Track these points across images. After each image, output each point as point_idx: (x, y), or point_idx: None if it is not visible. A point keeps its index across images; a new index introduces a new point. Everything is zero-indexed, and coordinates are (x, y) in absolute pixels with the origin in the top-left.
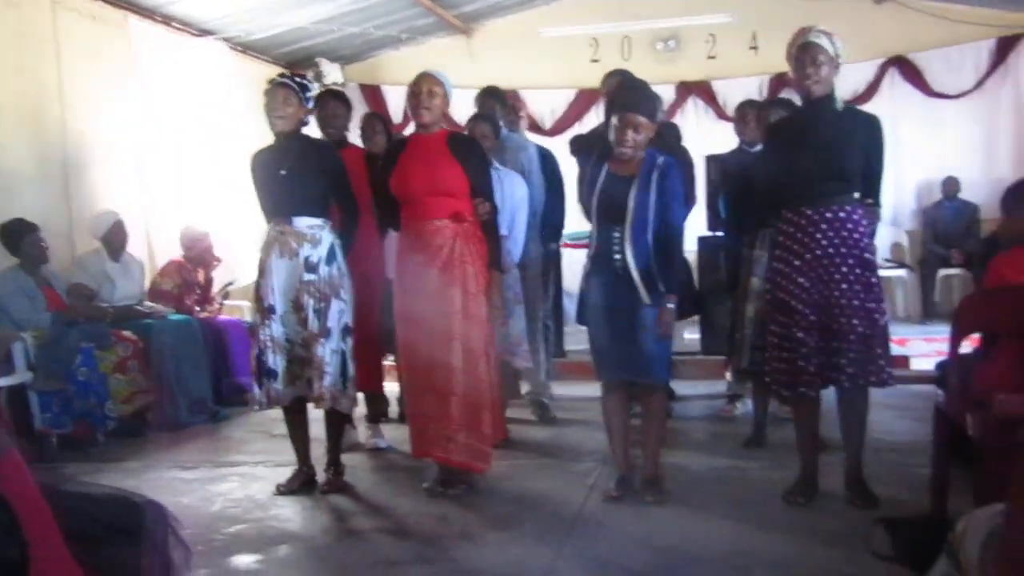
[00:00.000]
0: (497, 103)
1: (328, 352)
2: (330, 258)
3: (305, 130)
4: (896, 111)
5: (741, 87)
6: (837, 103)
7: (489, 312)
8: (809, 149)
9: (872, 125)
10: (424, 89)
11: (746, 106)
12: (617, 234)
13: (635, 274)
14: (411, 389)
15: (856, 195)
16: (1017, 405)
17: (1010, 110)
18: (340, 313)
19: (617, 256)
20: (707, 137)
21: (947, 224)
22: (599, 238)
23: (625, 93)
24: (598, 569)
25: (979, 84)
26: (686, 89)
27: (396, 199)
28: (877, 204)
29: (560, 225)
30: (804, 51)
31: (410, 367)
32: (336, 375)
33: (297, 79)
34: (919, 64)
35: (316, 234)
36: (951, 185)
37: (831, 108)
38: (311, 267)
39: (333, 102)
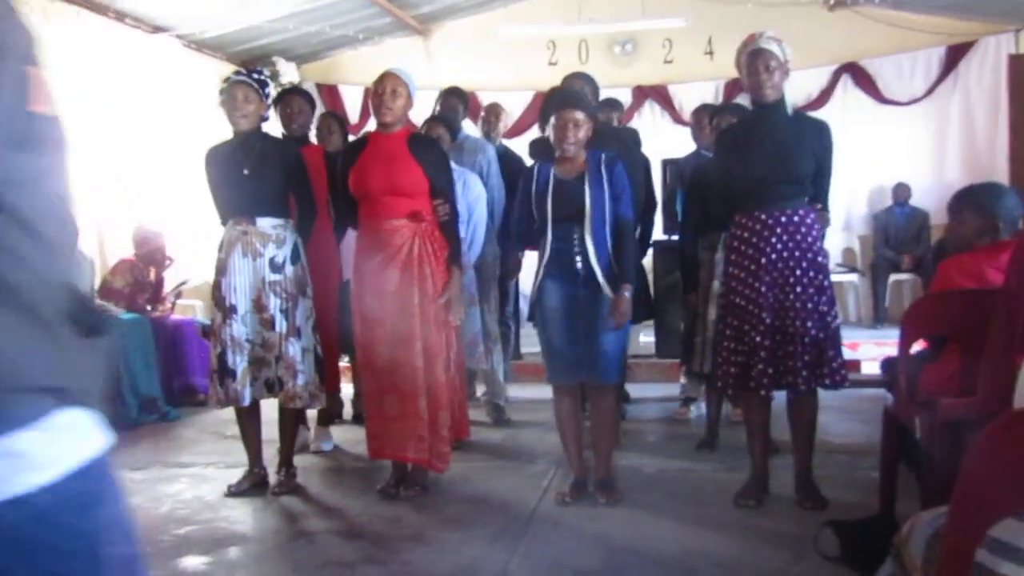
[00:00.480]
0: (460, 103)
1: (300, 351)
2: (295, 257)
3: (266, 127)
4: (849, 117)
5: (697, 91)
6: (787, 108)
7: (448, 312)
8: (761, 153)
9: (822, 131)
10: (388, 88)
11: (702, 110)
12: (576, 234)
13: (599, 272)
14: (370, 390)
15: (807, 199)
16: (961, 409)
17: (959, 117)
18: (308, 311)
19: (578, 256)
20: (664, 141)
21: (898, 229)
22: (555, 239)
23: (560, 93)
24: (551, 570)
25: (929, 91)
26: (642, 93)
27: (354, 198)
28: (826, 209)
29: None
30: (755, 57)
31: (370, 368)
32: (310, 372)
33: (255, 75)
34: (871, 71)
35: (280, 234)
36: (901, 191)
37: (782, 113)
38: (276, 267)
39: (297, 99)
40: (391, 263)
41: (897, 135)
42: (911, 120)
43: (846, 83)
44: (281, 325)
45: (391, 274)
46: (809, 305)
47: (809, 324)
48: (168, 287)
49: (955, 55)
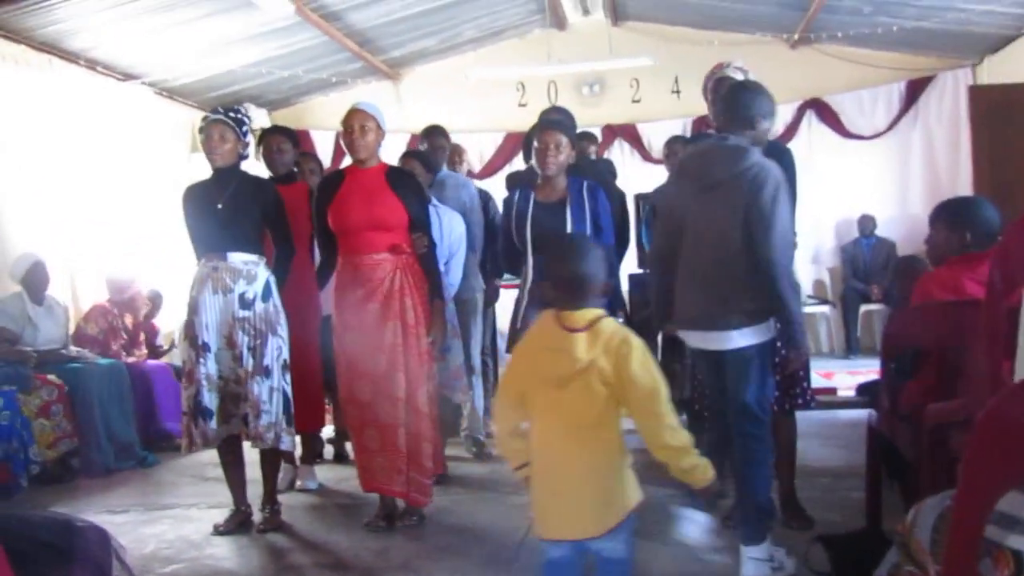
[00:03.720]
0: (445, 141)
1: (266, 390)
2: (266, 295)
3: (248, 165)
4: (814, 151)
5: (665, 129)
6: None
7: (429, 346)
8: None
9: (784, 154)
10: (356, 125)
11: (674, 141)
12: None
13: None
14: (354, 424)
15: None
16: (947, 413)
17: (921, 149)
18: (278, 350)
19: None
20: (633, 178)
21: (866, 261)
22: (535, 267)
23: (544, 118)
24: None
25: (892, 125)
26: (611, 132)
27: (332, 233)
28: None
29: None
30: (720, 85)
31: (352, 402)
32: (277, 413)
33: (232, 114)
34: (834, 106)
35: (251, 270)
36: (867, 222)
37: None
38: (246, 304)
39: (279, 137)
40: (372, 297)
41: (861, 168)
42: (874, 153)
43: (810, 118)
44: (247, 363)
45: (372, 308)
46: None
47: (782, 351)
48: (162, 329)
49: (915, 89)
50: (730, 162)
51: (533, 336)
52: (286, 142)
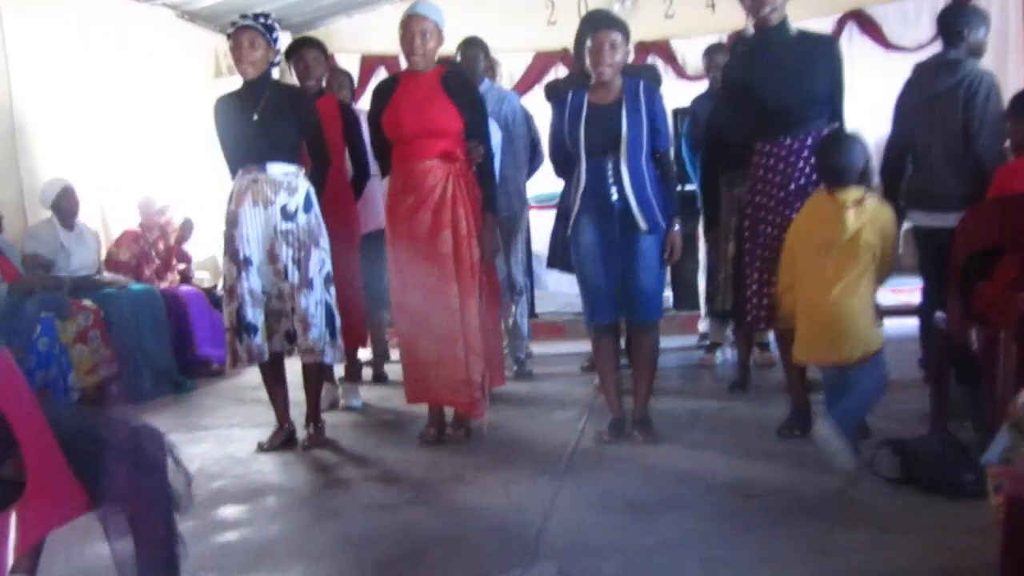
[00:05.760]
0: (480, 52)
1: (312, 303)
2: (307, 206)
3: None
4: (855, 66)
5: (700, 45)
6: (791, 30)
7: (481, 256)
8: (775, 77)
9: (830, 47)
10: (417, 31)
11: (715, 51)
12: (611, 163)
13: (633, 202)
14: (405, 336)
15: (826, 120)
16: None
17: None
18: (321, 263)
19: (613, 187)
20: (668, 95)
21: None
22: (588, 172)
23: (596, 15)
24: (601, 502)
25: (936, 37)
26: (644, 49)
27: (388, 141)
28: (843, 127)
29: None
30: None
31: (404, 312)
32: (322, 326)
33: (262, 20)
34: (876, 18)
35: (292, 181)
36: None
37: (787, 35)
38: (288, 215)
39: (312, 51)
40: (424, 204)
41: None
42: None
43: (851, 31)
44: (293, 276)
45: (424, 216)
46: None
47: None
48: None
49: None
50: (946, 75)
51: (808, 212)
52: (319, 56)
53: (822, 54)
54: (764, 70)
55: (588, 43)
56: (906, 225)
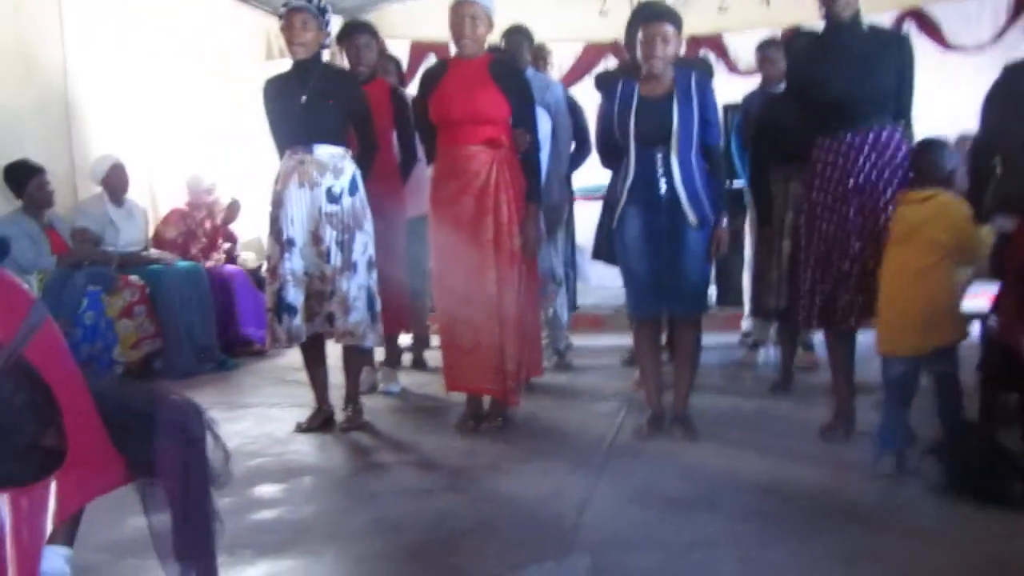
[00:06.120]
0: (524, 40)
1: (354, 287)
2: (352, 189)
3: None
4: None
5: (753, 40)
6: (863, 25)
7: (523, 245)
8: (841, 70)
9: (901, 44)
10: (466, 16)
11: (768, 46)
12: (660, 155)
13: (683, 195)
14: (443, 321)
15: (890, 117)
16: None
17: None
18: (364, 246)
19: (662, 179)
20: (719, 91)
21: (962, 179)
22: (637, 164)
23: (648, 6)
24: (638, 497)
25: (998, 36)
26: (696, 43)
27: (434, 125)
28: (910, 126)
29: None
30: None
31: (444, 296)
32: (363, 310)
33: (315, 1)
34: (935, 16)
35: (338, 163)
36: (966, 143)
37: (858, 28)
38: (333, 198)
39: (363, 37)
40: (467, 189)
41: (964, 84)
42: (978, 67)
43: (909, 30)
44: (336, 258)
45: (466, 201)
46: None
47: None
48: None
49: None
50: None
51: (895, 211)
52: (370, 39)
53: (892, 51)
54: (832, 64)
55: (640, 35)
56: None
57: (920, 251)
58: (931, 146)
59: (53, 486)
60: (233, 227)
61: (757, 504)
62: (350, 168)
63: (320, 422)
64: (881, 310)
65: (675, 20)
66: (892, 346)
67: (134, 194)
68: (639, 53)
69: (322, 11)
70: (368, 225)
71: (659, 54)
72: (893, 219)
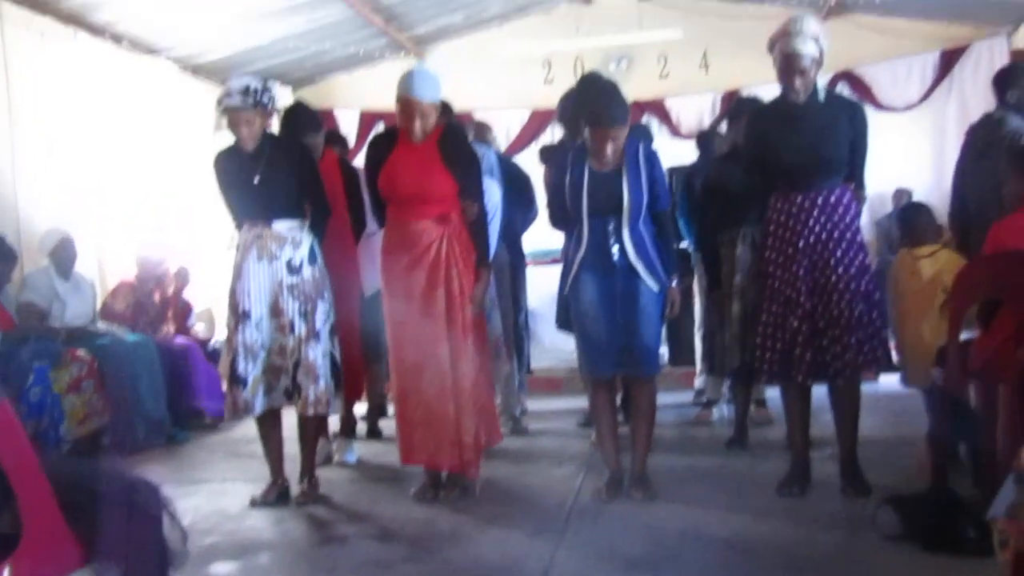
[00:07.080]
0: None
1: (319, 355)
2: (312, 258)
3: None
4: None
5: (693, 104)
6: (820, 95)
7: (475, 315)
8: (796, 140)
9: (855, 112)
10: (416, 114)
11: (742, 104)
12: (612, 225)
13: (639, 265)
14: (400, 394)
15: (842, 179)
16: None
17: (956, 121)
18: (326, 314)
19: (614, 246)
20: (662, 154)
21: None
22: (590, 232)
23: (596, 105)
24: (600, 560)
25: (925, 97)
26: (639, 108)
27: (382, 197)
28: (861, 187)
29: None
30: (789, 61)
31: (400, 371)
32: (328, 377)
33: (251, 98)
34: (867, 78)
35: (296, 236)
36: (902, 197)
37: (814, 100)
38: (293, 269)
39: (308, 135)
40: (418, 264)
41: (895, 141)
42: (908, 126)
43: (843, 91)
44: (300, 329)
45: (418, 275)
46: (852, 286)
47: (855, 304)
48: (195, 310)
49: (949, 60)
50: (991, 133)
51: (897, 267)
52: (315, 134)
53: (845, 119)
54: (790, 133)
55: (587, 132)
56: None
57: (933, 299)
58: (920, 210)
59: (7, 571)
60: (187, 295)
61: (718, 560)
62: (308, 239)
63: (275, 496)
64: (906, 351)
65: (623, 118)
66: (919, 381)
67: (82, 267)
68: (589, 145)
69: (261, 105)
70: (328, 294)
71: (608, 153)
72: (903, 273)
